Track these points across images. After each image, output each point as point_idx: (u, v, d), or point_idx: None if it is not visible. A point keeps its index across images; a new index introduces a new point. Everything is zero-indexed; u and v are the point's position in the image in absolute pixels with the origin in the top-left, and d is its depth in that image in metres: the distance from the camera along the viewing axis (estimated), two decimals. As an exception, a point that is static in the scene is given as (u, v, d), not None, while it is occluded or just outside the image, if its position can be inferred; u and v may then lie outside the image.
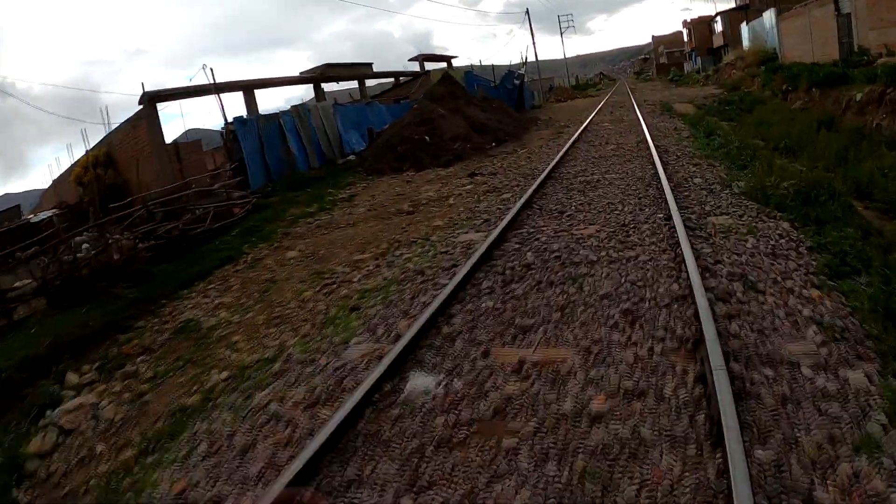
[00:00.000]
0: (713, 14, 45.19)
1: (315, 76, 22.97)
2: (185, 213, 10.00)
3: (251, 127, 14.72)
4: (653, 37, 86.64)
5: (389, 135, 15.14)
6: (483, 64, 34.83)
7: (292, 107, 16.34)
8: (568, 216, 6.35)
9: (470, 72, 27.61)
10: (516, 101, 30.21)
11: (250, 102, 20.00)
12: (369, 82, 30.70)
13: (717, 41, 43.15)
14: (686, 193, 6.61)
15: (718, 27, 42.85)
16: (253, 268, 7.85)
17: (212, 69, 15.71)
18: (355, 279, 5.88)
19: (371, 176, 13.88)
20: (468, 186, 9.75)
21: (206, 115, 55.89)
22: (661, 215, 5.78)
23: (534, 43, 45.51)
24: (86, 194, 18.46)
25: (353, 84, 28.96)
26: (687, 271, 3.90)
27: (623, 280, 4.14)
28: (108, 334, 5.81)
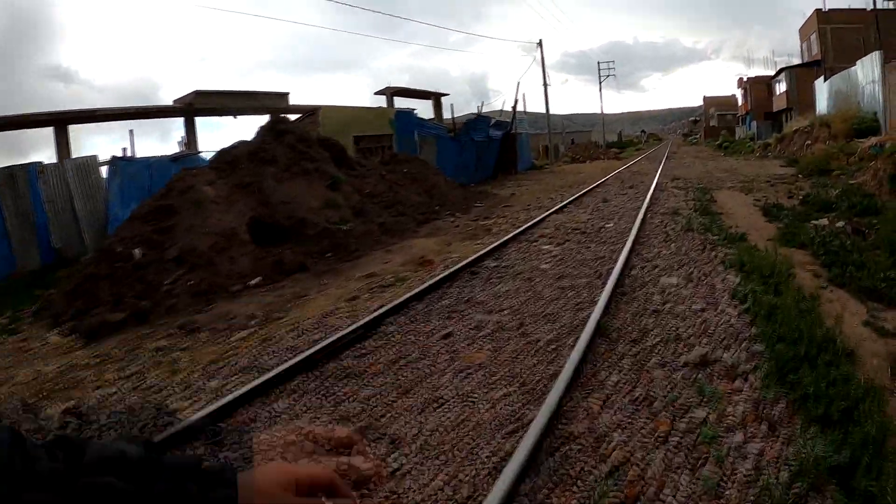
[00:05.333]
0: (773, 73, 36.96)
1: (182, 107, 16.08)
2: None
3: None
4: (704, 97, 78.60)
5: (116, 232, 7.83)
6: (506, 109, 26.29)
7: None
8: None
9: (408, 112, 19.84)
10: (496, 159, 22.64)
11: (62, 143, 13.42)
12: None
13: (779, 104, 34.87)
14: None
15: (781, 87, 34.58)
16: None
17: None
18: None
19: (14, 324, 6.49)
20: None
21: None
22: None
23: (545, 85, 36.94)
24: None
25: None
26: None
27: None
28: None
